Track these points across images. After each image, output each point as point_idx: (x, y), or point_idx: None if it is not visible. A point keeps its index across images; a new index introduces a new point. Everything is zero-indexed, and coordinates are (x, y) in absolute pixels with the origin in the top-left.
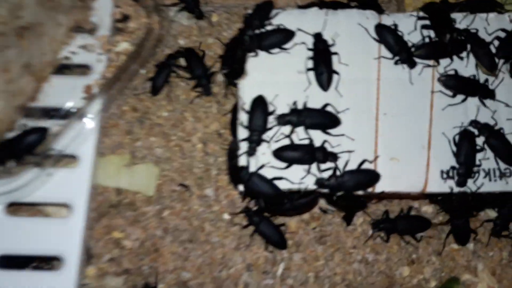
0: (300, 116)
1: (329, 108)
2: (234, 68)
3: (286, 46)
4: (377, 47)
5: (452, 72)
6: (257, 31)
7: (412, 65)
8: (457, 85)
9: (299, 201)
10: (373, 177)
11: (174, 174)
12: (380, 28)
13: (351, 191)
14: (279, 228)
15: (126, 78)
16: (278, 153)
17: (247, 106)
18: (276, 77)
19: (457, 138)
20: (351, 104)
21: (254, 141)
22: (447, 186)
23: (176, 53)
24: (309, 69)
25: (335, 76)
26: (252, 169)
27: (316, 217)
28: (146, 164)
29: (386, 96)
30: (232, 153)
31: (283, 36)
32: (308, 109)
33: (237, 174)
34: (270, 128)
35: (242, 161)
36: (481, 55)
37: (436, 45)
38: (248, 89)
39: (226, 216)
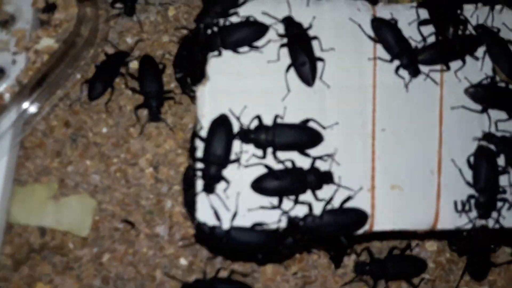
0: (268, 134)
1: (312, 123)
2: (191, 72)
3: (257, 43)
4: (371, 46)
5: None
6: (220, 23)
7: (415, 72)
8: (488, 97)
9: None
10: (361, 218)
11: (115, 208)
12: (378, 23)
13: (331, 235)
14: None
15: (52, 84)
16: (258, 185)
17: (204, 131)
18: (245, 83)
19: (472, 159)
20: (341, 117)
21: (211, 177)
22: (463, 220)
23: (128, 52)
24: (288, 67)
25: (320, 67)
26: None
27: (298, 258)
28: (80, 195)
29: (384, 108)
30: (189, 181)
31: (254, 31)
32: (279, 125)
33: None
34: (236, 160)
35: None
36: (499, 57)
37: (443, 46)
38: (209, 99)
39: (183, 262)
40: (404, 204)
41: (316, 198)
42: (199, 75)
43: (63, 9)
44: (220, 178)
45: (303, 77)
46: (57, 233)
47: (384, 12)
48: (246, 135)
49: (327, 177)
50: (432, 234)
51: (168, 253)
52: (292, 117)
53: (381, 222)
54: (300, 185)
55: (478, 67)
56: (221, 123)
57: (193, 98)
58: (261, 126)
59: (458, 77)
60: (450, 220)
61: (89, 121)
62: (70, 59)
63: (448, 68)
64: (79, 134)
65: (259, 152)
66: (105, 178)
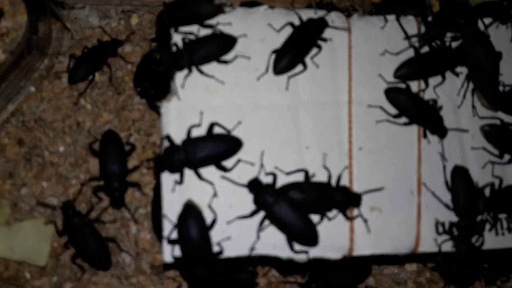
0: (180, 153)
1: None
2: (153, 87)
3: (225, 57)
4: (347, 59)
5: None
6: (186, 40)
7: (444, 134)
8: (505, 140)
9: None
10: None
11: None
12: (394, 94)
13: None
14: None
15: (1, 98)
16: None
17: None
18: (213, 99)
19: (449, 180)
20: (315, 136)
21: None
22: (444, 243)
23: (121, 41)
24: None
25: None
26: None
27: (274, 283)
28: (35, 220)
29: (360, 125)
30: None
31: (222, 44)
32: (190, 141)
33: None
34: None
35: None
36: (481, 82)
37: (422, 61)
38: (174, 116)
39: None
40: (384, 227)
41: (345, 216)
42: (163, 91)
43: (10, 17)
44: (123, 188)
45: (276, 64)
46: (11, 263)
47: (358, 24)
48: (159, 163)
49: (355, 199)
50: (413, 257)
51: (134, 282)
52: (265, 134)
53: (361, 246)
54: (325, 202)
55: (456, 84)
56: (109, 137)
57: (159, 113)
58: (170, 147)
59: (436, 93)
60: (431, 243)
61: (45, 139)
62: (20, 70)
63: (427, 85)
64: (34, 154)
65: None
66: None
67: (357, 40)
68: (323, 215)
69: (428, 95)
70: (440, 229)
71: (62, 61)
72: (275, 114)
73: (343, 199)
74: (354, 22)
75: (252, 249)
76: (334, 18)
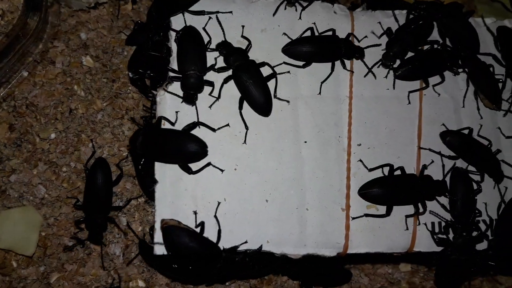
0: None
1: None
2: (150, 74)
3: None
4: None
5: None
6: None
7: (500, 179)
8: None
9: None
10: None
11: (64, 223)
12: (451, 137)
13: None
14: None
15: None
16: (365, 192)
17: None
18: (211, 89)
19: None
20: (315, 129)
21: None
22: (440, 243)
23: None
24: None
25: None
26: None
27: (267, 279)
28: (24, 208)
29: (360, 121)
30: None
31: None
32: (161, 130)
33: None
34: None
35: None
36: (481, 82)
37: (423, 60)
38: (169, 105)
39: (142, 284)
40: (379, 225)
41: (424, 208)
42: (160, 78)
43: None
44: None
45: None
46: None
47: (361, 18)
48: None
49: (441, 188)
50: (407, 256)
51: (124, 273)
52: (263, 126)
53: (356, 244)
54: (412, 194)
55: (457, 83)
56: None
57: (152, 101)
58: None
59: (436, 91)
60: (427, 242)
61: (36, 125)
62: (14, 54)
63: (427, 85)
64: (24, 139)
65: None
66: (53, 189)
67: (359, 34)
68: (415, 206)
69: (484, 131)
70: (437, 229)
71: (56, 45)
72: (274, 106)
73: (429, 188)
74: (357, 16)
75: (245, 242)
76: (337, 10)
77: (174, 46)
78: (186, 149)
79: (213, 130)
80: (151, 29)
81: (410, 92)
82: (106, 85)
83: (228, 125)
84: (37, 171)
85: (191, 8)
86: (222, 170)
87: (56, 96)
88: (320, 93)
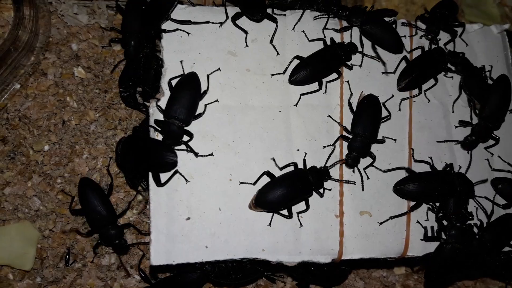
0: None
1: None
2: (142, 88)
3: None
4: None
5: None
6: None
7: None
8: None
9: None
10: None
11: (60, 235)
12: (503, 185)
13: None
14: None
15: None
16: (399, 188)
17: None
18: (204, 100)
19: None
20: (307, 137)
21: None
22: (434, 246)
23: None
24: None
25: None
26: None
27: (263, 286)
28: (21, 223)
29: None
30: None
31: None
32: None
33: None
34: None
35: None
36: (475, 89)
37: (419, 70)
38: (162, 117)
39: None
40: (372, 231)
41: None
42: (152, 90)
43: None
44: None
45: (293, 72)
46: None
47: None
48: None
49: (468, 188)
50: (401, 260)
51: (121, 284)
52: (256, 136)
53: (351, 250)
54: (446, 189)
55: (446, 88)
56: (86, 185)
57: (147, 114)
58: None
59: (427, 97)
60: (420, 247)
61: (30, 137)
62: (6, 67)
63: (420, 92)
64: (18, 152)
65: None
66: (48, 201)
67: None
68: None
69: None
70: (430, 233)
71: (48, 57)
72: (266, 116)
73: (463, 186)
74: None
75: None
76: (330, 21)
77: (166, 58)
78: (163, 159)
79: (196, 154)
80: (139, 42)
81: (402, 99)
82: (98, 96)
83: (212, 154)
84: (32, 183)
85: (178, 18)
86: (187, 180)
87: (48, 108)
88: (322, 91)
